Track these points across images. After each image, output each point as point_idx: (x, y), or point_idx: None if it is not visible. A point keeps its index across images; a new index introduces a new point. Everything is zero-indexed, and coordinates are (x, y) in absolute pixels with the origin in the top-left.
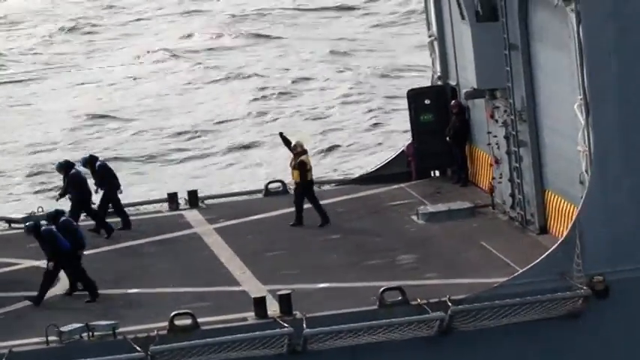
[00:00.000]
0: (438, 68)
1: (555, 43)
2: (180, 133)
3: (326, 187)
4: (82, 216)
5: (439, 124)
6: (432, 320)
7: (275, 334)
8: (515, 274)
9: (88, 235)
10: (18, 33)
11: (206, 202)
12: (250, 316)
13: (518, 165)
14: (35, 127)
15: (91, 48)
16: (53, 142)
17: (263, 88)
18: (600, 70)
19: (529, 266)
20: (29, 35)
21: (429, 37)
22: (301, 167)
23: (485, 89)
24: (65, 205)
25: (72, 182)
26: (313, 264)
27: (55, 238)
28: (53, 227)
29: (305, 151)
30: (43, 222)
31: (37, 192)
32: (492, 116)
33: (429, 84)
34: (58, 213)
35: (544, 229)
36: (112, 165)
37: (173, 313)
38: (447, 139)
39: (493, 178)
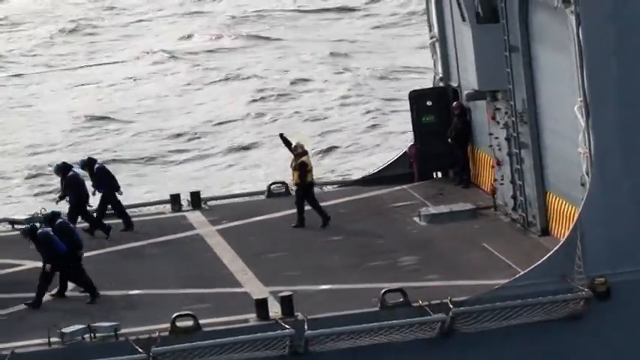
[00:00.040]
0: (440, 70)
1: (555, 45)
2: (179, 135)
3: (328, 188)
4: (79, 218)
5: (441, 126)
6: (434, 322)
7: (276, 335)
8: (517, 275)
9: (84, 236)
10: (18, 34)
11: (209, 203)
12: (252, 317)
13: (519, 167)
14: (35, 129)
15: (91, 49)
16: (53, 143)
17: (262, 90)
18: (600, 72)
19: (530, 268)
20: (30, 36)
21: (431, 38)
22: (302, 168)
23: (487, 91)
24: (65, 207)
25: (69, 184)
26: (315, 265)
27: (51, 241)
28: (49, 230)
29: (305, 152)
30: (37, 224)
31: (36, 194)
32: (494, 118)
33: (429, 85)
34: (55, 215)
35: (546, 231)
36: (111, 166)
37: (175, 315)
38: (449, 140)
39: (495, 180)
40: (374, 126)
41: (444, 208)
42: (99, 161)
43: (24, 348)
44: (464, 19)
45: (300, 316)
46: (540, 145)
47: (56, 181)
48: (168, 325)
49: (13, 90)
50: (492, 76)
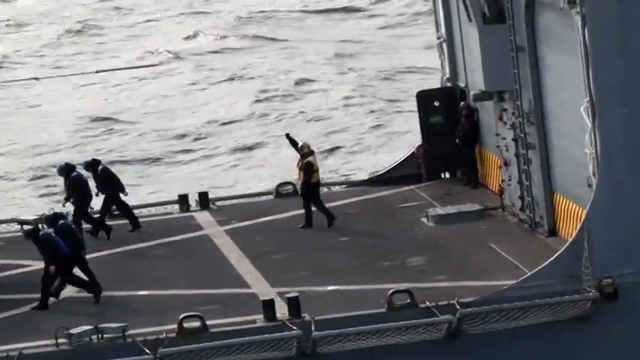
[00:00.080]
0: (447, 70)
1: (562, 46)
2: (184, 135)
3: (336, 188)
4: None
5: (449, 126)
6: (441, 323)
7: (283, 336)
8: (524, 276)
9: (87, 237)
10: (25, 35)
11: (217, 203)
12: (259, 318)
13: (526, 167)
14: (41, 129)
15: (97, 49)
16: (58, 143)
17: (267, 90)
18: (606, 73)
19: (537, 269)
20: (37, 37)
21: (438, 38)
22: (308, 168)
23: (493, 91)
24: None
25: (73, 185)
26: (323, 266)
27: (54, 243)
28: (52, 231)
29: (312, 152)
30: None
31: (42, 195)
32: (501, 118)
33: (433, 86)
34: (57, 216)
35: (553, 232)
36: (116, 167)
37: (182, 316)
38: (457, 141)
39: (502, 181)
40: (378, 126)
41: (451, 209)
42: (103, 162)
43: (32, 349)
44: (470, 20)
45: (307, 317)
46: (547, 146)
47: (61, 182)
48: (175, 326)
49: (20, 90)
50: (499, 77)
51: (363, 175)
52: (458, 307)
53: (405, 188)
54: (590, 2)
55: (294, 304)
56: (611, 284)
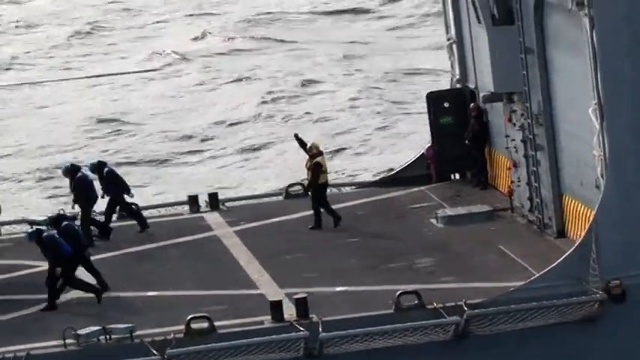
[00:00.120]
0: (457, 71)
1: (570, 48)
2: (191, 136)
3: (346, 189)
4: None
5: (458, 127)
6: (448, 324)
7: (291, 337)
8: (531, 278)
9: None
10: (35, 36)
11: (227, 204)
12: (267, 319)
13: (535, 169)
14: (50, 129)
15: (106, 50)
16: (66, 144)
17: (274, 91)
18: (614, 75)
19: (545, 270)
20: (46, 38)
21: (448, 40)
22: (316, 169)
23: (503, 93)
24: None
25: (78, 186)
26: (331, 267)
27: (57, 244)
28: (55, 233)
29: (321, 153)
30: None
31: (50, 197)
32: (510, 120)
33: (441, 87)
34: (60, 217)
35: (562, 233)
36: (123, 168)
37: (190, 317)
38: (466, 142)
39: (512, 182)
40: (384, 127)
41: (460, 210)
42: (109, 164)
43: (39, 349)
44: (479, 21)
45: (314, 318)
46: (556, 147)
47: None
48: (183, 326)
49: (29, 91)
50: (508, 78)
51: (368, 176)
52: (465, 309)
53: (415, 189)
54: (598, 4)
55: (301, 305)
56: (618, 286)
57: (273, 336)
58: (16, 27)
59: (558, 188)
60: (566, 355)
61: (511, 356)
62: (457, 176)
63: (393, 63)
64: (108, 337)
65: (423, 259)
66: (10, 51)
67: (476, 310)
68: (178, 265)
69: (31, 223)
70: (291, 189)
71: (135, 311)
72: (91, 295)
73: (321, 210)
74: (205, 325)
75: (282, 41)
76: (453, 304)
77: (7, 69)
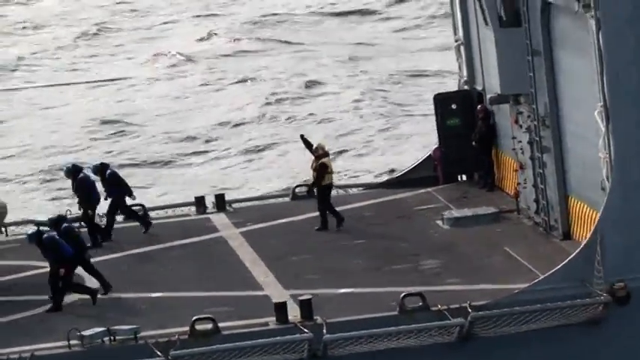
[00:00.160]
0: (465, 73)
1: (576, 50)
2: (195, 137)
3: (353, 190)
4: (98, 218)
5: (466, 129)
6: (452, 326)
7: (295, 339)
8: (536, 280)
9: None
10: (42, 37)
11: (233, 205)
12: (271, 321)
13: (541, 170)
14: (53, 130)
15: (112, 52)
16: (71, 145)
17: (278, 93)
18: (620, 77)
19: (549, 272)
20: (53, 39)
21: (456, 41)
22: (322, 169)
23: (510, 95)
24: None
25: (80, 186)
26: (337, 268)
27: (58, 246)
28: (55, 234)
29: (327, 154)
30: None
31: (53, 198)
32: (516, 121)
33: (447, 89)
34: (60, 218)
35: (567, 235)
36: (127, 169)
37: (194, 318)
38: (473, 143)
39: (518, 184)
40: (387, 129)
41: (467, 212)
42: (112, 166)
43: (44, 350)
44: (487, 23)
45: (319, 319)
46: (562, 149)
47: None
48: (187, 328)
49: (32, 93)
50: (515, 80)
51: (370, 177)
52: (470, 311)
53: (422, 191)
54: (604, 6)
55: (306, 307)
56: (623, 288)
57: (278, 337)
58: (23, 28)
59: (564, 190)
60: (571, 357)
61: (515, 358)
62: (464, 178)
63: (399, 65)
64: (112, 338)
65: (429, 260)
66: (16, 52)
67: (480, 312)
68: (184, 267)
69: (38, 224)
70: (298, 190)
71: (139, 312)
72: (98, 296)
73: (327, 211)
74: (210, 326)
75: (288, 42)
76: (457, 305)
77: (13, 70)
